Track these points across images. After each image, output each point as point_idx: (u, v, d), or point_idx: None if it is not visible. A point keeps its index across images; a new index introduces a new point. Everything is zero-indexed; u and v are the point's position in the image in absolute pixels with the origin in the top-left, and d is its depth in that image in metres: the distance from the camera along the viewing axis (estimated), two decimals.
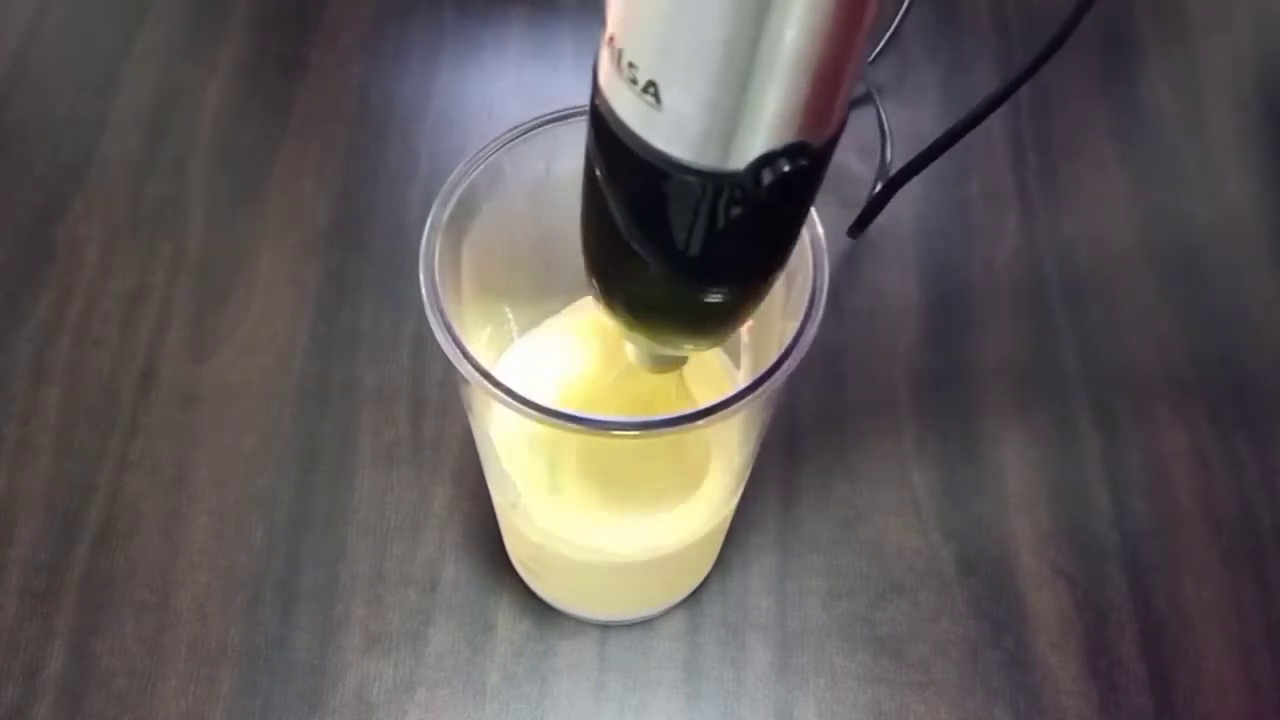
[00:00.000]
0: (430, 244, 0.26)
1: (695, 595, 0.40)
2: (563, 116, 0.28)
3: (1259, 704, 0.39)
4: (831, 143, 0.20)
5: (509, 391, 0.24)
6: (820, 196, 0.27)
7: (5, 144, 0.50)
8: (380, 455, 0.42)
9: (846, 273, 0.48)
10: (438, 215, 0.26)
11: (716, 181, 0.19)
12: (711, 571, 0.40)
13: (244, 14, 0.54)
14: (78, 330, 0.45)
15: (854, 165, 0.50)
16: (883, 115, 0.50)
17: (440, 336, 0.25)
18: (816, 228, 0.27)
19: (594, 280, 0.24)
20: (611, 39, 0.19)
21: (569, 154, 0.27)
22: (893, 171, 0.48)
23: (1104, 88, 0.54)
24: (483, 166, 0.27)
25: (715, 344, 0.26)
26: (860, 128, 0.51)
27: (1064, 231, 0.49)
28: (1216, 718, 0.39)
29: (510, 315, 0.34)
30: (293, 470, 0.42)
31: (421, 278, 0.25)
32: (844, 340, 0.46)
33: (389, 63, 0.53)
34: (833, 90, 0.18)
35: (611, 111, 0.20)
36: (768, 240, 0.22)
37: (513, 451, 0.32)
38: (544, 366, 0.34)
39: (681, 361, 0.28)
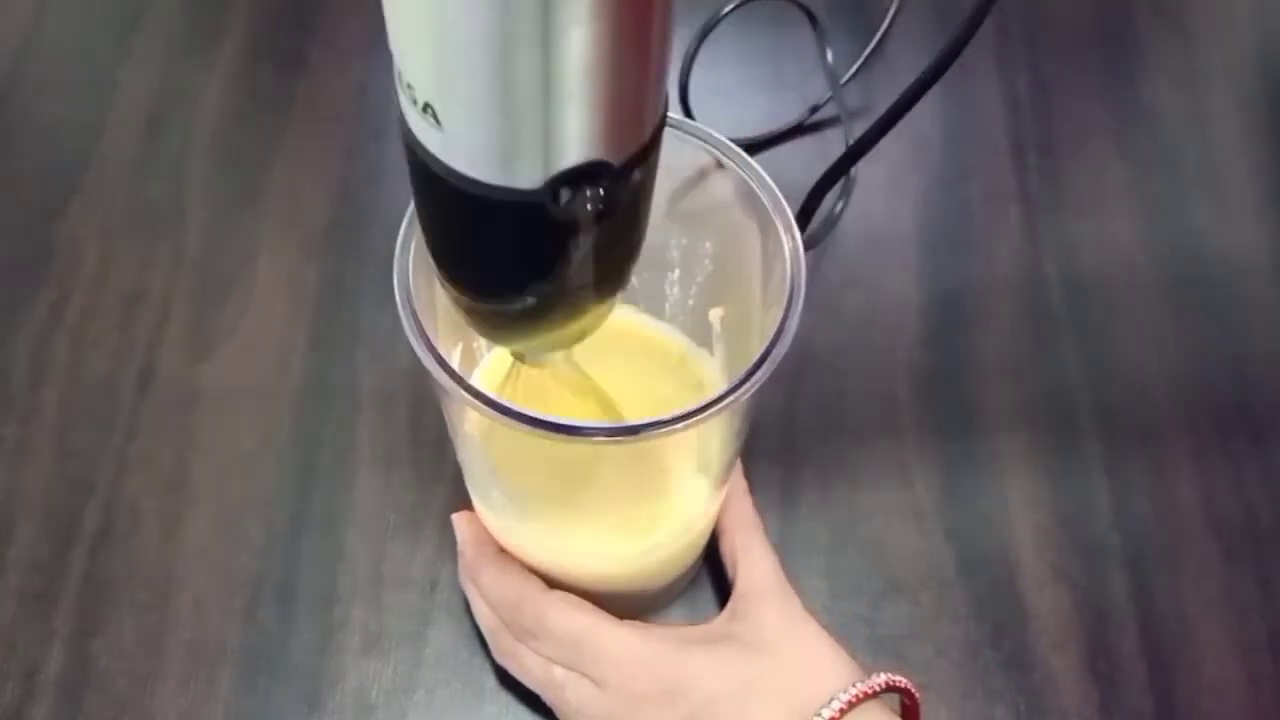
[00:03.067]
0: (403, 264, 0.26)
1: (695, 596, 0.40)
2: None
3: (1259, 705, 0.39)
4: (639, 158, 0.19)
5: (490, 401, 0.24)
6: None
7: (4, 144, 0.50)
8: (379, 456, 0.42)
9: (846, 273, 0.48)
10: (407, 234, 0.26)
11: (511, 198, 0.18)
12: (712, 573, 0.40)
13: (242, 14, 0.54)
14: (76, 331, 0.45)
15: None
16: (849, 138, 0.50)
17: (422, 355, 0.25)
18: (788, 216, 0.27)
19: (434, 262, 0.23)
20: (393, 55, 0.18)
21: None
22: (855, 190, 0.47)
23: (1105, 88, 0.54)
24: None
25: (568, 346, 0.25)
26: (832, 146, 0.51)
27: (1065, 231, 0.49)
28: (1217, 718, 0.39)
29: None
30: (292, 471, 0.42)
31: (398, 297, 0.25)
32: (844, 340, 0.46)
33: (388, 62, 0.53)
34: (629, 111, 0.18)
35: (404, 122, 0.19)
36: (601, 253, 0.21)
37: (499, 462, 0.32)
38: (520, 375, 0.34)
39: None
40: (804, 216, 0.41)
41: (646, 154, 0.19)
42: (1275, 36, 0.56)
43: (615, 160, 0.18)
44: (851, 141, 0.50)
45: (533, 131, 0.17)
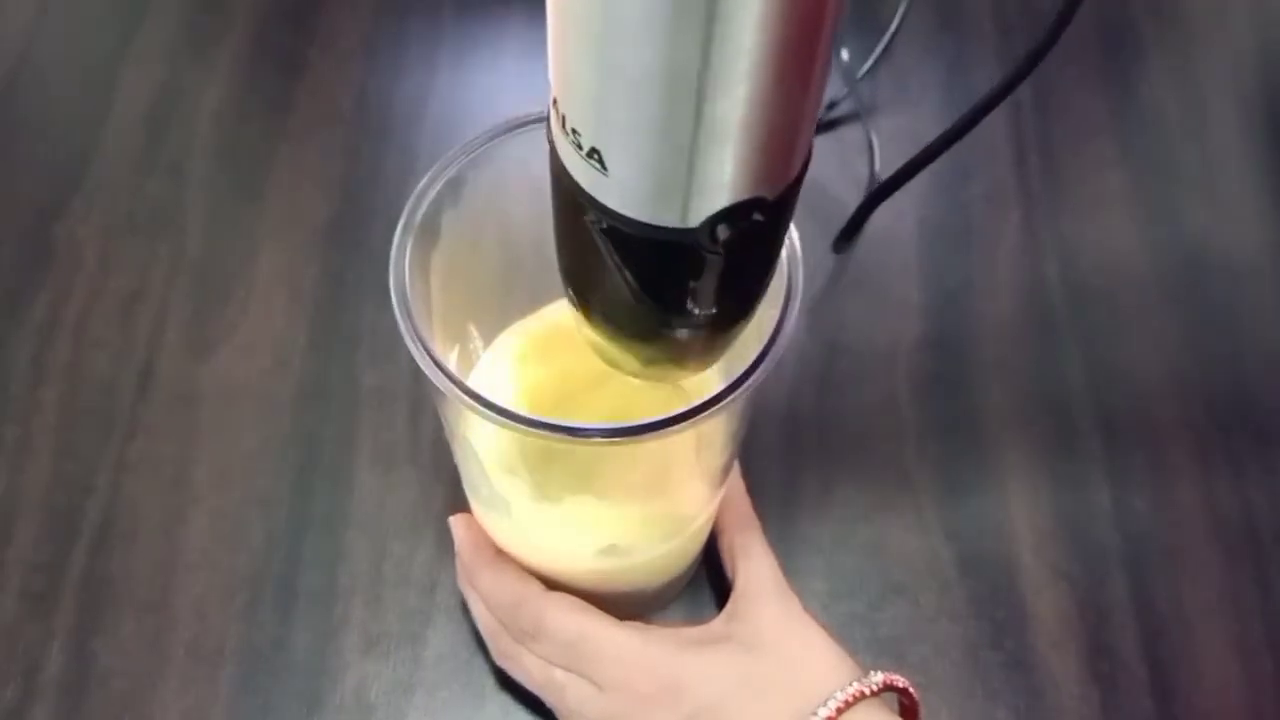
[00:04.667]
0: (399, 267, 0.26)
1: (695, 597, 0.40)
2: (518, 126, 0.28)
3: (1259, 704, 0.39)
4: (791, 190, 0.20)
5: (488, 404, 0.24)
6: (803, 212, 0.27)
7: (4, 144, 0.50)
8: (379, 456, 0.42)
9: (847, 274, 0.48)
10: (403, 237, 0.26)
11: (671, 237, 0.19)
12: (711, 573, 0.40)
13: (243, 14, 0.54)
14: (77, 331, 0.45)
15: (839, 181, 0.50)
16: (870, 133, 0.50)
17: (419, 357, 0.25)
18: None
19: (570, 295, 0.24)
20: (555, 101, 0.18)
21: (525, 163, 0.27)
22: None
23: (1105, 88, 0.54)
24: (443, 182, 0.27)
25: (694, 373, 0.25)
26: (848, 143, 0.51)
27: (1065, 232, 0.49)
28: (1216, 718, 0.38)
29: (475, 333, 0.34)
30: (292, 471, 0.42)
31: (394, 302, 0.25)
32: (845, 341, 0.46)
33: (388, 63, 0.53)
34: (784, 148, 0.18)
35: (563, 168, 0.19)
36: (737, 285, 0.22)
37: (497, 464, 0.32)
38: (516, 377, 0.34)
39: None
40: (850, 232, 0.42)
41: (800, 180, 0.20)
42: (1274, 38, 0.56)
43: (771, 194, 0.19)
44: (875, 137, 0.50)
45: (696, 172, 0.18)
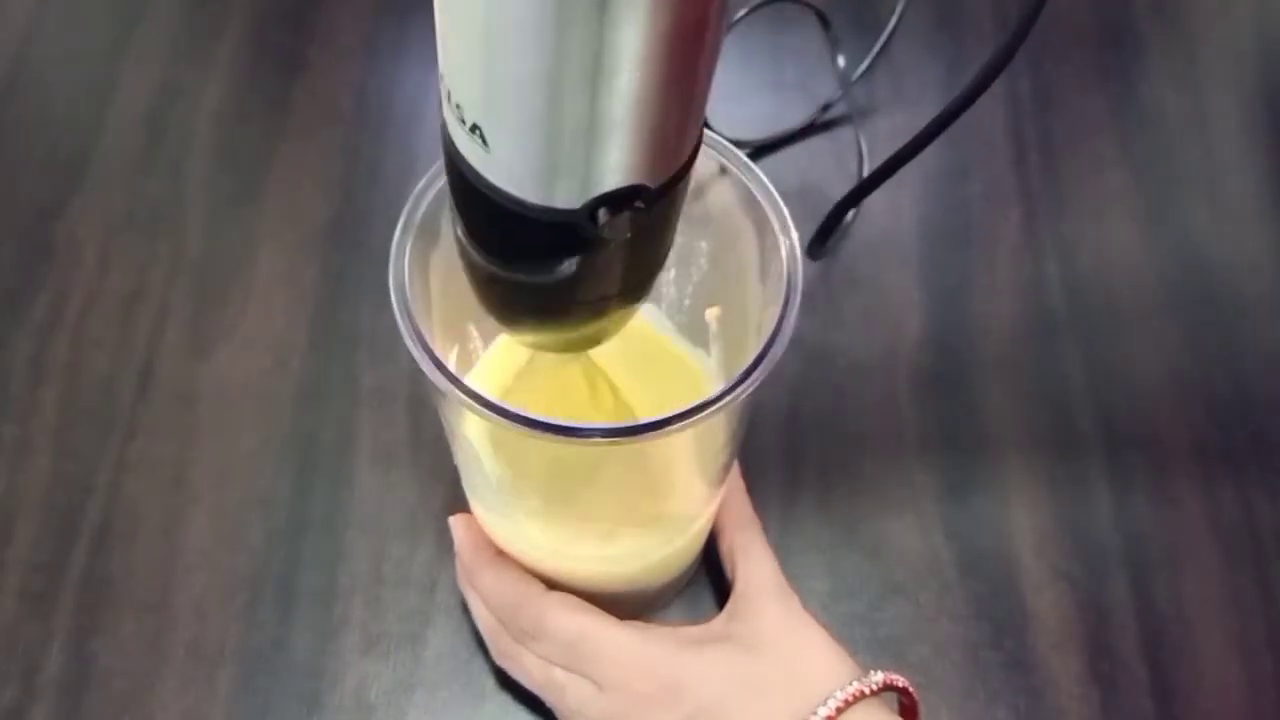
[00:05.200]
0: (399, 266, 0.26)
1: (695, 596, 0.40)
2: None
3: (1259, 705, 0.39)
4: (676, 179, 0.20)
5: (488, 404, 0.24)
6: (799, 213, 0.27)
7: (4, 144, 0.50)
8: (379, 456, 0.42)
9: (846, 272, 0.48)
10: (402, 237, 0.26)
11: (550, 217, 0.19)
12: (712, 573, 0.40)
13: (242, 13, 0.54)
14: (76, 330, 0.45)
15: (836, 182, 0.50)
16: (860, 139, 0.50)
17: (419, 357, 0.25)
18: (784, 214, 0.27)
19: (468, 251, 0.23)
20: (442, 76, 0.18)
21: None
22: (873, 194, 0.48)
23: (1105, 86, 0.54)
24: (443, 182, 0.27)
25: (580, 349, 0.26)
26: (844, 144, 0.51)
27: (1065, 232, 0.49)
28: (1216, 718, 0.38)
29: (475, 333, 0.34)
30: (291, 471, 0.42)
31: (394, 302, 0.25)
32: (844, 340, 0.46)
33: (387, 62, 0.53)
34: (669, 138, 0.18)
35: (450, 140, 0.19)
36: (624, 268, 0.22)
37: (497, 465, 0.31)
38: (515, 377, 0.34)
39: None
40: (823, 234, 0.42)
41: (683, 174, 0.20)
42: (1275, 38, 0.56)
43: (653, 183, 0.19)
44: (865, 142, 0.50)
45: (576, 157, 0.18)
